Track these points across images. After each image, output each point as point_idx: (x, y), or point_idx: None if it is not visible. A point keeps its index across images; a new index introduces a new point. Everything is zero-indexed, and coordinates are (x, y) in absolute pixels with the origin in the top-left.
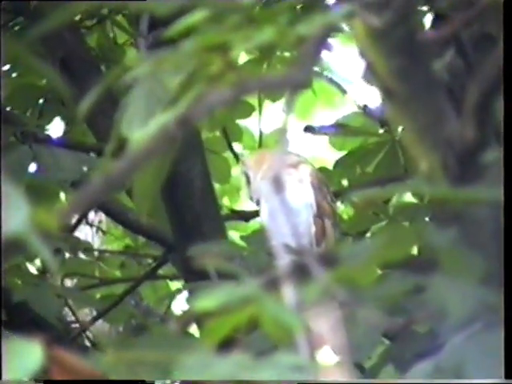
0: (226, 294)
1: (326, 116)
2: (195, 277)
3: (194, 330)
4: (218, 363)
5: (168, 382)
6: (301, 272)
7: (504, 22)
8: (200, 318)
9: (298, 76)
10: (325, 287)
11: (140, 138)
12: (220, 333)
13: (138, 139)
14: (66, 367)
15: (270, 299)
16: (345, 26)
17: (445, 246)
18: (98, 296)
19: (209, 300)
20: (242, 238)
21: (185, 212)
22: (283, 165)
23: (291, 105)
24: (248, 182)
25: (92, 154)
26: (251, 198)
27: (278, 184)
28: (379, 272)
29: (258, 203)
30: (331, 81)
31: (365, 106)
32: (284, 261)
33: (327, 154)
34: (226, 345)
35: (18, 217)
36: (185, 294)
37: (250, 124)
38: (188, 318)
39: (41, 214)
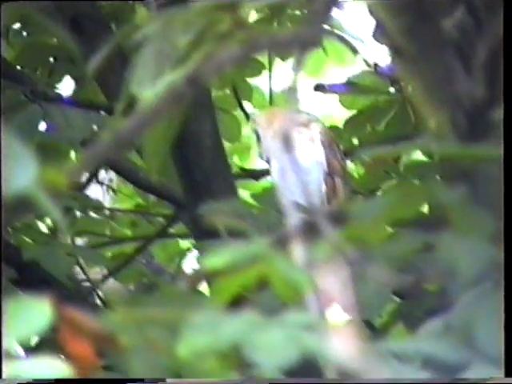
0: (235, 252)
1: (336, 74)
2: (205, 235)
3: (204, 288)
4: (228, 321)
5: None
6: (310, 230)
7: (504, 22)
8: (210, 277)
9: (307, 34)
10: (334, 245)
11: (150, 97)
12: (229, 291)
13: (147, 98)
14: (75, 326)
15: (279, 257)
16: None
17: (454, 204)
18: (108, 255)
19: (218, 258)
20: (252, 196)
21: (195, 170)
22: (293, 123)
23: (301, 63)
24: (258, 140)
25: (102, 113)
26: (262, 157)
27: (287, 142)
28: (389, 230)
29: (268, 161)
30: (342, 39)
31: (375, 65)
32: (294, 219)
33: (338, 112)
34: (236, 303)
35: (26, 175)
36: (195, 252)
37: (261, 82)
38: (198, 276)
39: (50, 172)
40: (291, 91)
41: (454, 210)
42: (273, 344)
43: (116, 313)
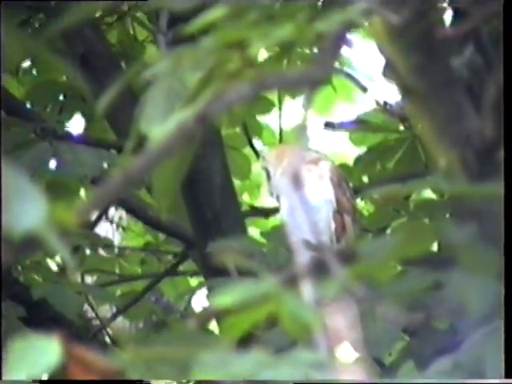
0: (245, 291)
1: (345, 112)
2: (215, 273)
3: (213, 327)
4: (238, 361)
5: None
6: (320, 268)
7: (504, 22)
8: (219, 315)
9: (317, 73)
10: (343, 283)
11: (159, 135)
12: (239, 329)
13: (157, 136)
14: (85, 364)
15: (289, 296)
16: (364, 22)
17: (463, 242)
18: (118, 292)
19: (228, 296)
20: (261, 234)
21: (205, 208)
22: (303, 161)
23: (310, 101)
24: (268, 177)
25: (112, 151)
26: (271, 194)
27: (297, 181)
28: (399, 268)
29: (277, 199)
30: (351, 77)
31: (385, 103)
32: (303, 257)
33: (347, 149)
34: (245, 342)
35: (35, 213)
36: (205, 290)
37: (270, 120)
38: (207, 314)
39: (59, 210)
40: (301, 129)
41: (462, 248)
42: (282, 382)
43: (125, 351)
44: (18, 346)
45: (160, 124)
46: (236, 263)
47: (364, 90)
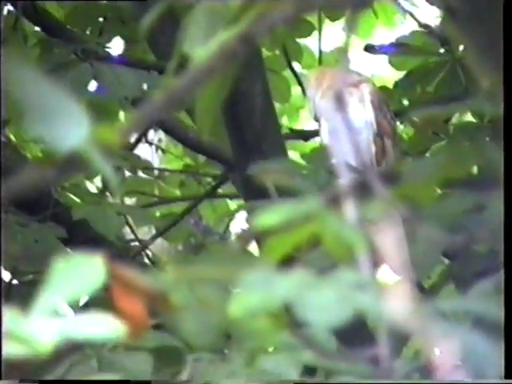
0: (287, 211)
1: (385, 36)
2: (255, 196)
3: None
4: (282, 280)
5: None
6: (362, 190)
7: (504, 22)
8: (260, 237)
9: None
10: (387, 204)
11: (202, 55)
12: (281, 250)
13: (200, 56)
14: (128, 285)
15: (332, 216)
16: None
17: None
18: (157, 215)
19: (271, 216)
20: (302, 156)
21: (245, 130)
22: (345, 83)
23: (353, 23)
24: (309, 99)
25: (153, 72)
26: (313, 116)
27: (340, 102)
28: (439, 191)
29: (318, 121)
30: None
31: (426, 26)
32: (345, 179)
33: (388, 73)
34: (286, 263)
35: (79, 132)
36: (243, 213)
37: (310, 43)
38: (249, 235)
39: (102, 130)
40: (342, 51)
41: (504, 170)
42: (325, 303)
43: (167, 271)
44: (60, 266)
45: (203, 45)
46: (276, 184)
47: (405, 11)
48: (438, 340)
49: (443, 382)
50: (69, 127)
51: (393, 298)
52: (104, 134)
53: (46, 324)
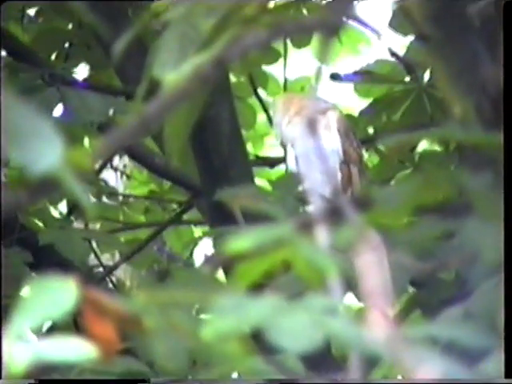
0: (259, 236)
1: (349, 63)
2: (222, 221)
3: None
4: (254, 305)
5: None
6: (334, 215)
7: (504, 22)
8: (228, 263)
9: (333, 19)
10: (358, 230)
11: (174, 80)
12: (252, 275)
13: (171, 80)
14: (99, 307)
15: (304, 242)
16: None
17: (479, 190)
18: (122, 240)
19: (242, 241)
20: (269, 182)
21: (213, 156)
22: (315, 110)
23: (327, 50)
24: (276, 125)
25: (119, 97)
26: (280, 141)
27: (312, 128)
28: (411, 218)
29: (284, 148)
30: (364, 24)
31: (393, 53)
32: (317, 204)
33: (353, 101)
34: (254, 290)
35: (53, 154)
36: (207, 240)
37: (275, 71)
38: (217, 261)
39: (75, 153)
40: (316, 78)
41: (477, 196)
42: (298, 328)
43: (138, 295)
44: (33, 288)
45: (174, 69)
46: (246, 208)
47: (378, 34)
48: (414, 365)
49: (444, 382)
50: (43, 150)
51: (368, 323)
52: (77, 157)
53: (20, 346)
